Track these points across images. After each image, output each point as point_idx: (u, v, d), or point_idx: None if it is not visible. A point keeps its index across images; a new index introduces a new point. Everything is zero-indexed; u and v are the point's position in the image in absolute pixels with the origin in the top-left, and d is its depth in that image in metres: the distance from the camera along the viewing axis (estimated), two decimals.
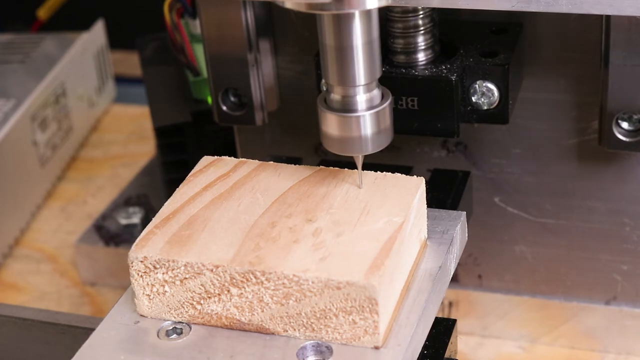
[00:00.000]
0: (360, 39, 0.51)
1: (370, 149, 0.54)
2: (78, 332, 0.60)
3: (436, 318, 0.56)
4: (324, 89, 0.54)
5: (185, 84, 0.79)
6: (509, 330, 0.71)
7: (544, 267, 0.69)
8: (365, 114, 0.53)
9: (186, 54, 0.77)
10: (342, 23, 0.51)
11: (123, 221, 0.82)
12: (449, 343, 0.57)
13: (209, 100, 0.76)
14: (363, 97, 0.53)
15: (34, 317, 0.63)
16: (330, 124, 0.53)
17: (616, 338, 0.69)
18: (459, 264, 0.70)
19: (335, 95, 0.53)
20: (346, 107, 0.53)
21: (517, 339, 0.71)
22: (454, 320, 0.59)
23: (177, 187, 0.56)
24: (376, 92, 0.53)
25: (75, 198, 0.92)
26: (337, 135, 0.53)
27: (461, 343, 0.70)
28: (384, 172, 0.56)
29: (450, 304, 0.71)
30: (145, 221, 0.81)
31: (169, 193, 0.76)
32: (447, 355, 0.57)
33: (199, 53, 0.78)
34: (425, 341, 0.55)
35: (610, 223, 0.66)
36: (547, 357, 0.70)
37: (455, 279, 0.71)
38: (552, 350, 0.70)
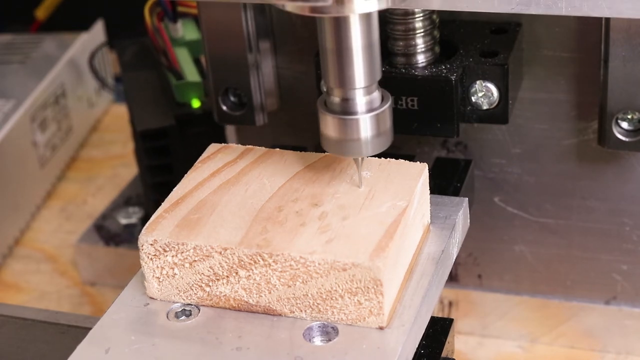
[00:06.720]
0: (360, 42, 0.51)
1: (370, 152, 0.54)
2: (78, 332, 0.60)
3: (433, 317, 0.57)
4: (324, 89, 0.54)
5: (168, 88, 0.78)
6: (508, 330, 0.71)
7: (543, 267, 0.69)
8: (365, 116, 0.53)
9: (168, 58, 0.76)
10: (342, 26, 0.51)
11: (123, 221, 0.82)
12: (446, 342, 0.57)
13: (193, 103, 0.76)
14: (363, 99, 0.53)
15: (34, 317, 0.63)
16: (330, 126, 0.53)
17: (616, 338, 0.69)
18: (458, 264, 0.70)
19: (335, 98, 0.53)
20: (346, 109, 0.53)
21: (517, 339, 0.71)
22: (451, 320, 0.59)
23: (163, 191, 0.57)
24: (376, 95, 0.53)
25: (75, 198, 0.92)
26: (336, 138, 0.53)
27: (461, 343, 0.70)
28: (388, 158, 0.56)
29: (450, 304, 0.71)
30: (145, 221, 0.80)
31: (154, 197, 0.76)
32: (444, 354, 0.57)
33: (180, 56, 0.78)
34: (422, 341, 0.55)
35: (610, 223, 0.66)
36: (547, 357, 0.70)
37: (455, 279, 0.71)
38: (551, 350, 0.70)
